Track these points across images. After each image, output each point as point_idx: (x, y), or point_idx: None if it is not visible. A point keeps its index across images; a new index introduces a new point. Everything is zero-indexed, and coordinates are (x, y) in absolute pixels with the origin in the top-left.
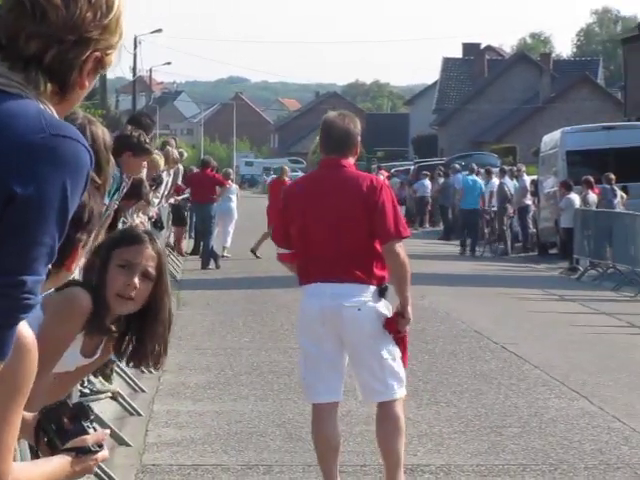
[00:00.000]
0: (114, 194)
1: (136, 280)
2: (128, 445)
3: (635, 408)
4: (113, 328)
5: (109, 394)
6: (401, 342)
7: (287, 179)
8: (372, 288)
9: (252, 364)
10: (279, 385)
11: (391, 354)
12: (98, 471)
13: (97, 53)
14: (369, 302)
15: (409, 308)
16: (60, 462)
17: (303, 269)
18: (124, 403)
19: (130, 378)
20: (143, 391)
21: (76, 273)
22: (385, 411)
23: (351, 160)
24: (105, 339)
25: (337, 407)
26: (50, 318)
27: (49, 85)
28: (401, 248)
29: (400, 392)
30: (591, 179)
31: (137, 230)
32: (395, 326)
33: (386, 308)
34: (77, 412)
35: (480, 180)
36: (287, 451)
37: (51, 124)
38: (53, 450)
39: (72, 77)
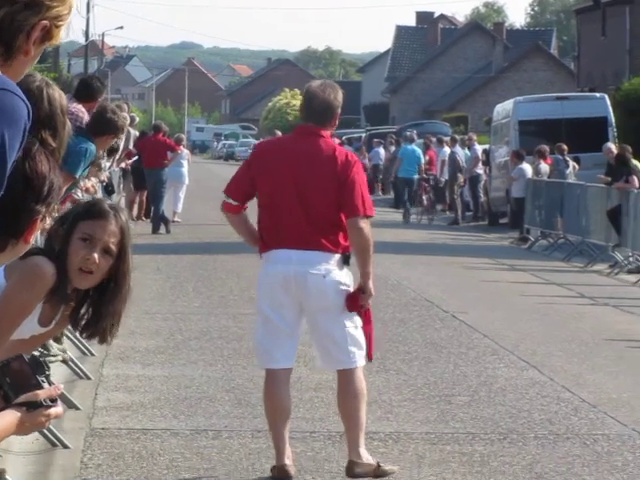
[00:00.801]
0: (86, 169)
1: (96, 255)
2: (77, 409)
3: (585, 378)
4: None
5: (60, 358)
6: (365, 316)
7: None
8: (337, 256)
9: (201, 329)
10: (228, 351)
11: (353, 322)
12: (47, 433)
13: (46, 22)
14: (334, 270)
15: (370, 283)
16: (10, 417)
17: (268, 234)
18: (73, 367)
19: (79, 341)
20: (92, 355)
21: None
22: (347, 378)
23: (328, 131)
24: (62, 309)
25: (290, 373)
26: (13, 286)
27: None
28: (365, 224)
29: (361, 361)
30: (544, 149)
31: (103, 205)
32: (358, 302)
33: (348, 277)
34: (32, 366)
35: (418, 149)
36: (236, 416)
37: None
38: (7, 403)
39: (18, 41)
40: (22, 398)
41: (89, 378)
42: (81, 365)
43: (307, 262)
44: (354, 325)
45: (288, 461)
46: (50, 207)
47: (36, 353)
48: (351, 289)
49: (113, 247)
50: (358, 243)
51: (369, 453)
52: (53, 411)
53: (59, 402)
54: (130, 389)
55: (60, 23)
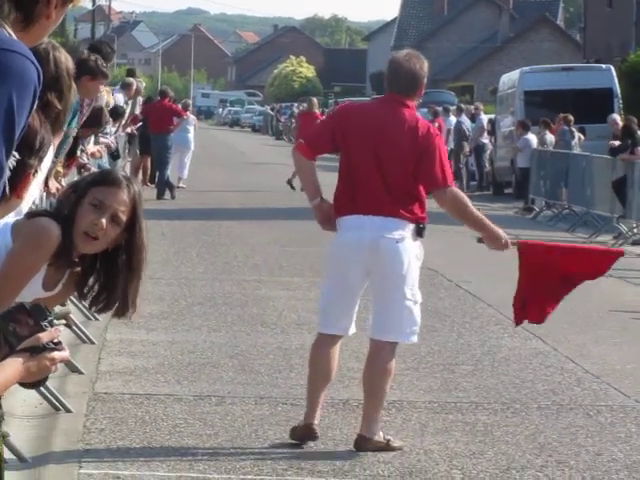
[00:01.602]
0: (71, 120)
1: (104, 221)
2: (80, 373)
3: (588, 349)
4: (77, 262)
5: (63, 321)
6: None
7: (317, 111)
8: (411, 226)
9: (205, 295)
10: (232, 317)
11: (414, 297)
12: (50, 397)
13: None
14: (407, 238)
15: (491, 227)
16: (14, 364)
17: (343, 199)
18: (77, 331)
19: (83, 305)
20: (96, 319)
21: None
22: (381, 351)
23: (414, 101)
24: (67, 275)
25: (340, 340)
26: (19, 246)
27: (13, 11)
28: (450, 193)
29: (411, 337)
30: (549, 120)
31: (118, 174)
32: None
33: (420, 249)
34: (34, 312)
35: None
36: (239, 383)
37: (2, 40)
38: (11, 350)
39: (38, 8)
40: (25, 343)
41: (93, 342)
42: (85, 329)
43: (381, 227)
44: (414, 300)
45: (316, 421)
46: (41, 161)
47: None
48: (420, 262)
49: (122, 216)
50: (455, 211)
51: (379, 428)
52: (57, 354)
53: (64, 345)
54: (133, 354)
55: None
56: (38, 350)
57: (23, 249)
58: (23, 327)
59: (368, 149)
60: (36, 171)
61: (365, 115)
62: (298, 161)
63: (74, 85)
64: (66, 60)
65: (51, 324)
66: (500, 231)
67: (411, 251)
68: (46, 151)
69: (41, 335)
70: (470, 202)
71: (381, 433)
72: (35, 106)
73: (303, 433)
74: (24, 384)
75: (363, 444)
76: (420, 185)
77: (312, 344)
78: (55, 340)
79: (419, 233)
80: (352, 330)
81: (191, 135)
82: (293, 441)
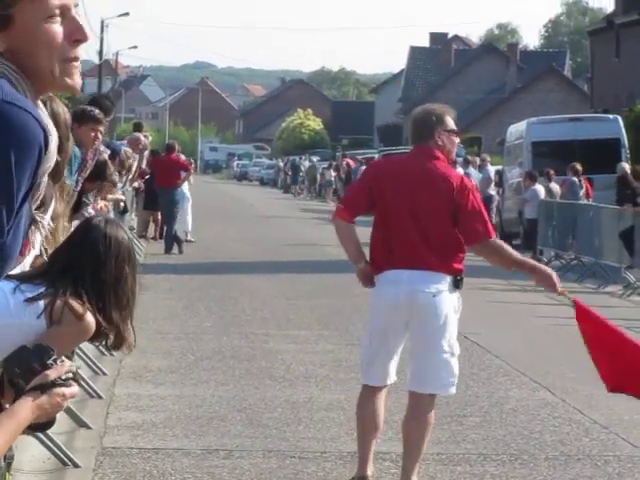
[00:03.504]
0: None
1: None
2: (89, 427)
3: (596, 400)
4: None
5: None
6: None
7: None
8: (448, 278)
9: (214, 349)
10: (240, 370)
11: (451, 349)
12: (58, 452)
13: None
14: (445, 292)
15: (534, 264)
16: (25, 405)
17: (380, 254)
18: (85, 385)
19: (91, 360)
20: (104, 374)
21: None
22: (422, 402)
23: (436, 149)
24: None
25: (386, 390)
26: (65, 338)
27: None
28: (493, 243)
29: (451, 390)
30: (550, 171)
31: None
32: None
33: (459, 301)
34: (38, 352)
35: None
36: (248, 436)
37: (7, 93)
38: (19, 393)
39: None
40: (33, 382)
41: (101, 397)
42: (93, 384)
43: (417, 281)
44: (451, 352)
45: (369, 472)
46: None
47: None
48: (458, 315)
49: None
50: (500, 260)
51: (417, 479)
52: (67, 390)
53: (73, 382)
54: (142, 408)
55: None
56: (48, 387)
57: (66, 343)
58: (28, 368)
59: (405, 205)
60: (37, 228)
61: (400, 171)
62: (338, 226)
63: (72, 137)
64: (64, 112)
65: (55, 361)
66: (549, 270)
67: (448, 304)
68: (47, 207)
69: (48, 372)
70: (510, 247)
71: None
72: (40, 170)
73: None
74: (33, 427)
75: None
76: (459, 238)
77: (358, 396)
78: (63, 377)
79: (456, 285)
80: (393, 379)
81: (186, 188)
82: None
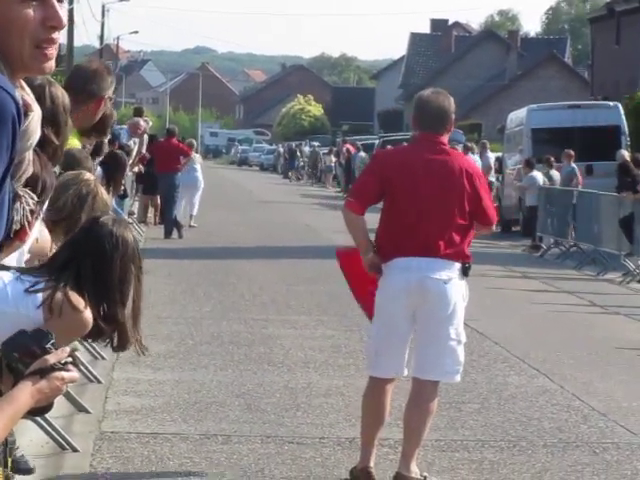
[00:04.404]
0: None
1: None
2: (87, 412)
3: (595, 387)
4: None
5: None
6: None
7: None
8: (457, 265)
9: (213, 334)
10: (239, 355)
11: (458, 337)
12: (56, 436)
13: None
14: (455, 278)
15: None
16: (24, 389)
17: (390, 242)
18: (84, 370)
19: (90, 344)
20: (103, 358)
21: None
22: (424, 390)
23: (445, 137)
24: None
25: (393, 382)
26: (63, 331)
27: None
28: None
29: (456, 377)
30: (551, 158)
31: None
32: None
33: (466, 289)
34: (36, 336)
35: None
36: (246, 422)
37: None
38: (17, 377)
39: None
40: (32, 367)
41: (100, 382)
42: (92, 368)
43: (428, 268)
44: (458, 340)
45: (372, 464)
46: (43, 205)
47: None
48: (465, 303)
49: None
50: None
51: (416, 465)
52: (67, 374)
53: (72, 367)
54: (140, 393)
55: None
56: (47, 371)
57: (63, 336)
58: (27, 352)
59: (416, 193)
60: (38, 215)
61: (409, 160)
62: (348, 217)
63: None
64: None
65: (54, 345)
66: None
67: (458, 291)
68: (48, 194)
69: (47, 357)
70: None
71: (417, 470)
72: (17, 143)
73: (361, 476)
74: (31, 411)
75: None
76: (468, 225)
77: (366, 388)
78: (62, 361)
79: (465, 273)
80: (405, 372)
81: (199, 174)
82: None
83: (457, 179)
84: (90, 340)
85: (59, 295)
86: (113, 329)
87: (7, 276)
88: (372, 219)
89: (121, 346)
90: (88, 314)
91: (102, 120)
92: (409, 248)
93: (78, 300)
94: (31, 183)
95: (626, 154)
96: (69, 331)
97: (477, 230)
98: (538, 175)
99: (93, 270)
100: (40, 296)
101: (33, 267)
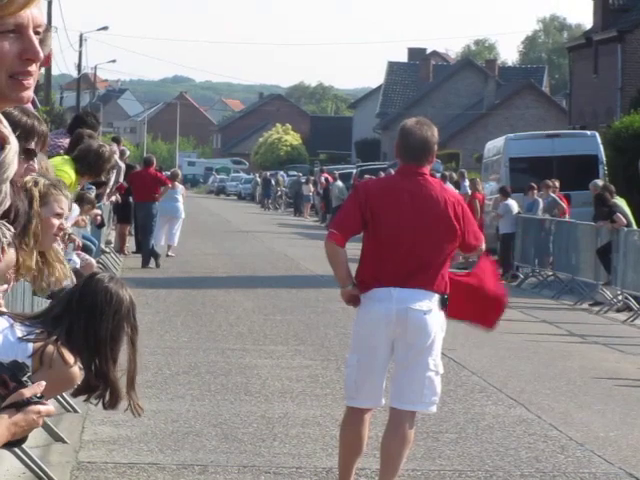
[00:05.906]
0: None
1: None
2: (64, 442)
3: (572, 417)
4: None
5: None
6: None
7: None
8: (437, 296)
9: (190, 364)
10: (216, 385)
11: (436, 368)
12: (34, 467)
13: None
14: (434, 310)
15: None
16: (1, 423)
17: (370, 273)
18: (61, 399)
19: None
20: None
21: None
22: (402, 420)
23: (427, 168)
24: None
25: (371, 412)
26: (52, 383)
27: None
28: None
29: (432, 408)
30: (534, 186)
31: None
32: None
33: (444, 321)
34: (13, 369)
35: None
36: (223, 451)
37: None
38: None
39: None
40: (8, 400)
41: (76, 411)
42: (68, 398)
43: (408, 299)
44: (436, 371)
45: None
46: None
47: None
48: (443, 333)
49: None
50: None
51: None
52: (43, 408)
53: (48, 401)
54: (117, 423)
55: None
56: (23, 404)
57: (51, 388)
58: (3, 385)
59: (398, 224)
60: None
61: (391, 191)
62: (331, 250)
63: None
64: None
65: (30, 379)
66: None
67: (437, 322)
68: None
69: (23, 390)
70: None
71: None
72: None
73: None
74: (7, 443)
75: None
76: (447, 257)
77: (343, 418)
78: (38, 394)
79: (443, 303)
80: (382, 402)
81: (180, 204)
82: None
83: (441, 210)
84: (84, 399)
85: (51, 348)
86: (105, 386)
87: (1, 323)
88: (352, 247)
89: (112, 404)
90: (77, 369)
91: (98, 162)
92: (390, 278)
93: (69, 355)
94: (5, 212)
95: (600, 183)
96: (57, 384)
97: (465, 252)
98: (513, 203)
99: (85, 325)
100: (31, 346)
101: (27, 315)
